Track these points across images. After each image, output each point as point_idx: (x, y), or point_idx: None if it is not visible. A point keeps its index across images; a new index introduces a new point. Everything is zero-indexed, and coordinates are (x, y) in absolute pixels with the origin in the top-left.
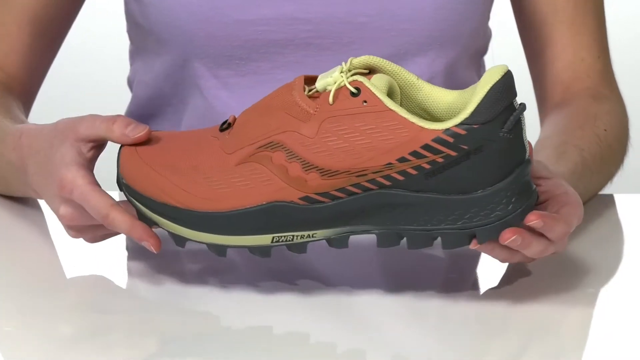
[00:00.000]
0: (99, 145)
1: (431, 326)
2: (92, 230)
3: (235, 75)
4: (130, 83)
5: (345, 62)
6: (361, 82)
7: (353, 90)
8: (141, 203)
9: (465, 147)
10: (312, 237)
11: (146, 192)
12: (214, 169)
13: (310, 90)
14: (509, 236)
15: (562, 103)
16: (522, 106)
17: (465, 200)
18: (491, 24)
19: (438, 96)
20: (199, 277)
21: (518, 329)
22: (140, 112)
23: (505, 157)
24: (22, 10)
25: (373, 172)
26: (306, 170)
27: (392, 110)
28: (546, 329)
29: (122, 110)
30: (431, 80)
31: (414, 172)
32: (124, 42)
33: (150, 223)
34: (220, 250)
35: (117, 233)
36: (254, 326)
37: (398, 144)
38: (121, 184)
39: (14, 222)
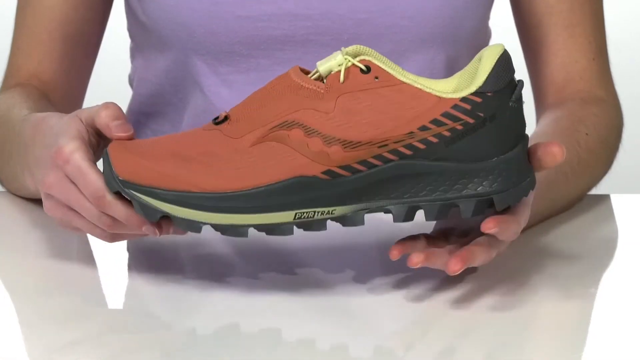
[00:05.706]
0: (101, 136)
1: (430, 322)
2: (65, 212)
3: (236, 72)
4: (131, 81)
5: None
6: (370, 60)
7: (363, 67)
8: (146, 195)
9: (482, 114)
10: (332, 213)
11: (152, 183)
12: (226, 151)
13: (311, 76)
14: (490, 226)
15: (554, 105)
16: (522, 82)
17: (483, 167)
18: (491, 24)
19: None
20: (197, 278)
21: (515, 328)
22: (141, 110)
23: (514, 127)
24: (51, 18)
25: (395, 142)
26: (328, 144)
27: (406, 83)
28: (544, 328)
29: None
30: (431, 78)
31: (435, 140)
32: (125, 40)
33: (156, 216)
34: (242, 231)
35: (85, 228)
36: (253, 327)
37: (420, 113)
38: (115, 182)
39: (14, 222)
